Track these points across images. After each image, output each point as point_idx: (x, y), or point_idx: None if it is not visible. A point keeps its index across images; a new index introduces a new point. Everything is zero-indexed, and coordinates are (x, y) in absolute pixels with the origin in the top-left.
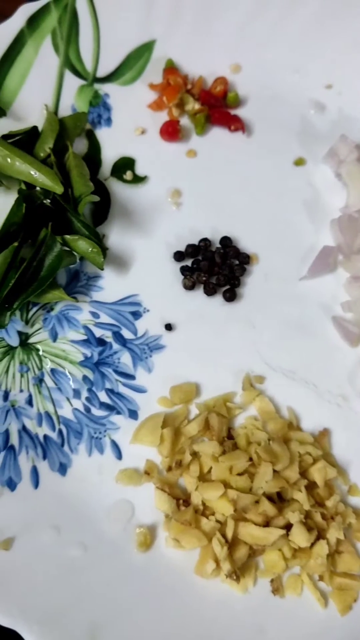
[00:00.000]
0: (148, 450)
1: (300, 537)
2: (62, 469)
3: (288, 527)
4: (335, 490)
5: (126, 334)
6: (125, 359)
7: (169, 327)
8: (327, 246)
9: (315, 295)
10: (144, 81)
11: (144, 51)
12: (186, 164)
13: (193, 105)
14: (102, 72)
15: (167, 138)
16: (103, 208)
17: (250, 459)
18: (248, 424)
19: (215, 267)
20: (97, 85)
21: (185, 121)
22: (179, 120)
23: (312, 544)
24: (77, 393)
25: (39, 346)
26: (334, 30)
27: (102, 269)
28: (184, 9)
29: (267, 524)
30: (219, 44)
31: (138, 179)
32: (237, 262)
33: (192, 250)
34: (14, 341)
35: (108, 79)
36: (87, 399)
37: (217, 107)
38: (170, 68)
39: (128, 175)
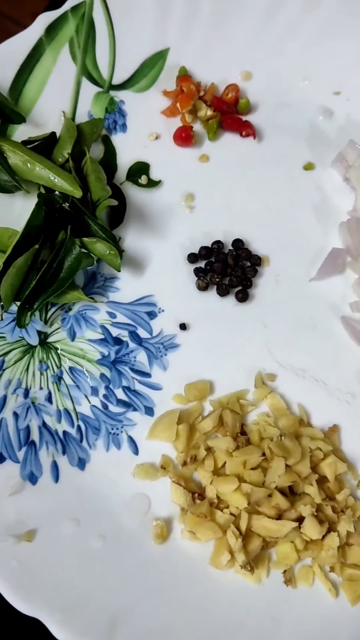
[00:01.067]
0: (163, 446)
1: (312, 529)
2: (81, 463)
3: (300, 520)
4: (345, 484)
5: (142, 333)
6: (141, 357)
7: (183, 326)
8: (335, 248)
9: (325, 296)
10: (158, 88)
11: (158, 59)
12: (199, 168)
13: (205, 111)
14: (117, 80)
15: (180, 143)
16: (119, 211)
17: (263, 454)
18: (260, 420)
19: (228, 269)
20: (112, 92)
21: (197, 127)
22: (192, 126)
23: (323, 537)
24: (94, 390)
25: (57, 345)
26: (342, 38)
27: (119, 271)
28: (197, 19)
29: (279, 517)
30: (230, 52)
31: (153, 183)
32: (249, 263)
33: (206, 252)
34: (34, 340)
35: (123, 86)
36: (105, 396)
37: (229, 113)
38: (184, 75)
39: (143, 179)
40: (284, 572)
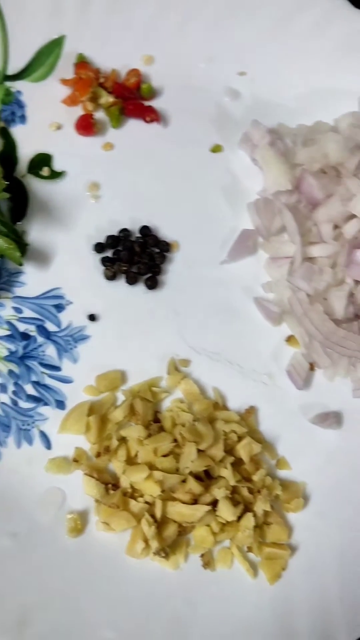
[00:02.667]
0: (78, 439)
1: (226, 511)
2: None
3: (216, 503)
4: (262, 465)
5: (50, 326)
6: (50, 351)
7: (92, 317)
8: (245, 229)
9: (237, 278)
10: (57, 77)
11: (54, 47)
12: (103, 157)
13: (107, 98)
14: (12, 70)
15: (82, 132)
16: (21, 205)
17: (175, 440)
18: (174, 407)
19: (135, 257)
20: (8, 83)
21: (101, 115)
22: (93, 114)
23: (240, 518)
24: (3, 387)
25: None
26: (244, 18)
27: (21, 265)
28: (91, 3)
29: (195, 501)
30: (129, 36)
31: (55, 175)
32: (157, 250)
33: (112, 241)
34: None
35: (19, 76)
36: (14, 392)
37: (132, 99)
38: (81, 62)
39: (45, 171)
40: (202, 555)
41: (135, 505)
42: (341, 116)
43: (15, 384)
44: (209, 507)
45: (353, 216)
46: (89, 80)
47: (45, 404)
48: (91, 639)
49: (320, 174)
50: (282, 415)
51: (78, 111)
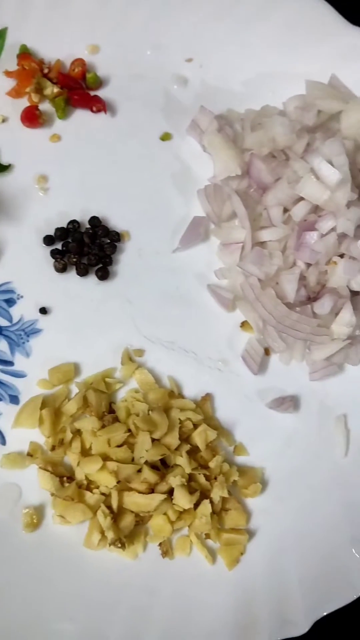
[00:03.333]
0: (33, 433)
1: (182, 499)
2: None
3: (172, 492)
4: (219, 451)
5: (1, 321)
6: (2, 346)
7: (43, 310)
8: (197, 216)
9: (190, 265)
10: (1, 69)
11: None
12: (51, 148)
13: (52, 89)
14: None
15: (28, 124)
16: None
17: (130, 431)
18: (128, 397)
19: (85, 248)
20: None
21: (47, 106)
22: (38, 105)
23: (197, 505)
24: None
25: None
26: (189, 3)
27: None
28: None
29: (152, 491)
30: (74, 26)
31: (2, 168)
32: (107, 240)
33: (61, 233)
34: None
35: None
36: None
37: (77, 89)
38: (24, 53)
39: None
40: (160, 544)
41: (90, 497)
42: (288, 99)
43: None
44: (164, 496)
45: (301, 199)
46: (32, 71)
47: None
48: (49, 632)
49: (269, 158)
50: (238, 401)
51: (24, 103)
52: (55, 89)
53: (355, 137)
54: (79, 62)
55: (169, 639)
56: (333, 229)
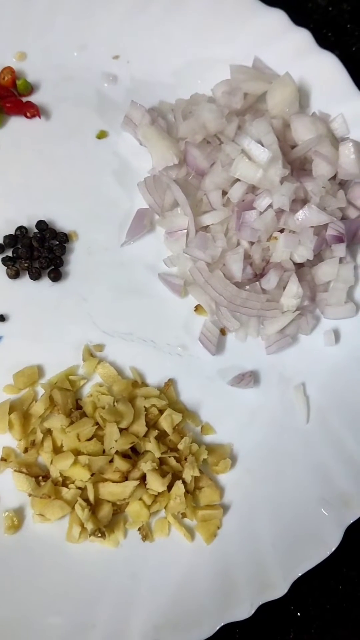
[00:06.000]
0: (5, 439)
1: (155, 483)
2: None
3: (145, 477)
4: (186, 433)
5: None
6: None
7: (1, 318)
8: (140, 209)
9: (139, 257)
10: None
11: None
12: None
13: None
14: None
15: None
16: None
17: (97, 424)
18: (93, 392)
19: (35, 252)
20: None
21: None
22: None
23: (170, 487)
24: None
25: None
26: (108, 1)
27: None
28: None
29: (126, 479)
30: None
31: None
32: (56, 242)
33: (10, 240)
34: None
35: None
36: None
37: (9, 97)
38: None
39: None
40: (139, 529)
41: (67, 492)
42: (215, 85)
43: None
44: (137, 482)
45: (237, 180)
46: None
47: None
48: (37, 627)
49: (203, 144)
50: (200, 383)
51: None
52: None
53: (282, 115)
54: (8, 70)
55: (155, 617)
56: (270, 206)
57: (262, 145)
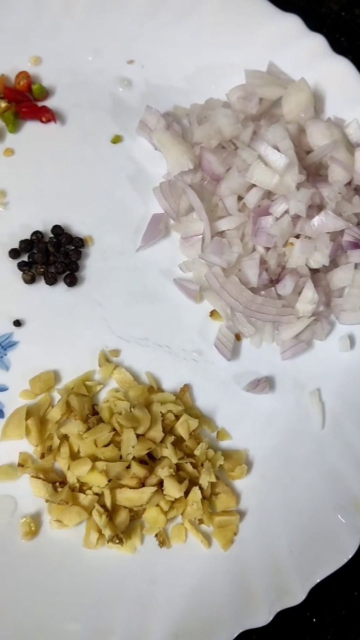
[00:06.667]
0: (21, 444)
1: (172, 489)
2: None
3: (162, 483)
4: (202, 439)
5: None
6: None
7: (17, 323)
8: (156, 214)
9: (154, 262)
10: None
11: None
12: (5, 163)
13: None
14: None
15: None
16: None
17: (115, 429)
18: (110, 397)
19: (51, 257)
20: None
21: None
22: None
23: (187, 493)
24: None
25: None
26: (121, 5)
27: None
28: None
29: (143, 485)
30: (12, 39)
31: None
32: (72, 247)
33: (26, 245)
34: None
35: None
36: None
37: (25, 101)
38: None
39: None
40: (156, 535)
41: (84, 498)
42: (230, 90)
43: None
44: (155, 488)
45: (253, 186)
46: None
47: None
48: (57, 633)
49: (218, 149)
50: (216, 388)
51: None
52: (3, 104)
53: (298, 120)
54: (23, 74)
55: (173, 624)
56: (286, 212)
57: (279, 150)
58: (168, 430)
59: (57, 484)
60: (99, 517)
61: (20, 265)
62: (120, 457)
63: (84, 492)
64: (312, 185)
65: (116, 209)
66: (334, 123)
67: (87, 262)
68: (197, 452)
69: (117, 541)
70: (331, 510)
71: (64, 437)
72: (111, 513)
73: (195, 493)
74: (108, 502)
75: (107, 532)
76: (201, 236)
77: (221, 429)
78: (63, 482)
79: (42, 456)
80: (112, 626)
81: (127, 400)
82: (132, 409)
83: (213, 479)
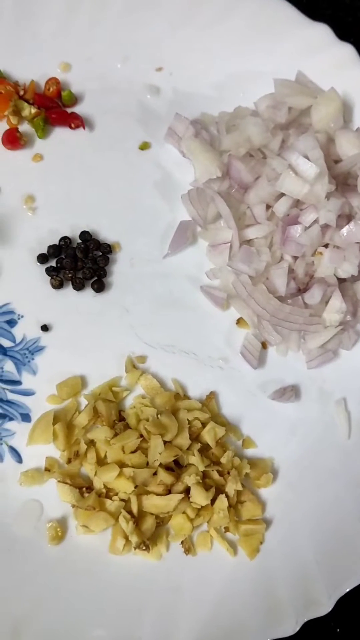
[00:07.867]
0: (48, 449)
1: (199, 496)
2: None
3: (189, 490)
4: (229, 447)
5: (5, 342)
6: (8, 366)
7: (45, 328)
8: (183, 221)
9: (181, 269)
10: None
11: None
12: (34, 169)
13: (29, 109)
14: None
15: (10, 147)
16: None
17: (142, 436)
18: (137, 403)
19: (79, 262)
20: None
21: (26, 127)
22: (18, 128)
23: (213, 500)
24: None
25: None
26: (151, 13)
27: None
28: None
29: (169, 492)
30: (42, 45)
31: None
32: (99, 253)
33: (54, 251)
34: None
35: None
36: None
37: (54, 107)
38: None
39: None
40: (182, 542)
41: (111, 504)
42: (259, 99)
43: None
44: (182, 495)
45: (282, 194)
46: (8, 94)
47: (11, 419)
48: (82, 639)
49: (247, 157)
50: (242, 396)
51: (3, 126)
52: (33, 110)
53: (327, 130)
54: (53, 80)
55: (198, 632)
56: (316, 221)
57: (309, 160)
58: (194, 437)
59: (84, 489)
60: (126, 523)
61: (49, 271)
62: (147, 463)
63: (111, 498)
64: (342, 195)
65: (144, 216)
66: None
67: (115, 268)
68: (223, 460)
69: (144, 548)
70: (357, 520)
71: (91, 443)
72: (137, 519)
73: (222, 501)
74: (134, 509)
75: (134, 539)
76: (229, 244)
77: (246, 437)
78: (89, 488)
79: (69, 461)
80: (137, 633)
81: (154, 407)
82: (159, 416)
83: (239, 487)
